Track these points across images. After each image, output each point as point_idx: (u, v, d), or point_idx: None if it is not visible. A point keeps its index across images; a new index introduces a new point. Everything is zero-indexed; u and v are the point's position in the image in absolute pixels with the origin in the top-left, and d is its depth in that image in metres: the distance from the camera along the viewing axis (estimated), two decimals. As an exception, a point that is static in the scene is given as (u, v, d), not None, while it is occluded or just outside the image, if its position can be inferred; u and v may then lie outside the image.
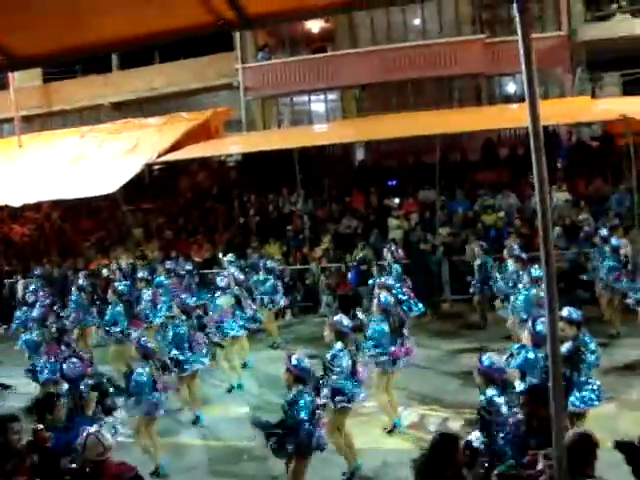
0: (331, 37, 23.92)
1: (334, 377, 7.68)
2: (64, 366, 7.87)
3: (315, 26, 23.60)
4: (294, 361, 6.92)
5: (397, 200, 18.78)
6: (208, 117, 20.78)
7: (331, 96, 24.23)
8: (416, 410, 9.35)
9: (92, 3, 3.34)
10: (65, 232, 20.62)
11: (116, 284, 13.41)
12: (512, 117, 16.86)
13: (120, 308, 12.42)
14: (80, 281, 14.33)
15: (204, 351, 10.33)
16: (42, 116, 26.71)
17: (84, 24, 3.51)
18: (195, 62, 24.36)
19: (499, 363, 6.37)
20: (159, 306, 13.56)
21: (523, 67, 3.59)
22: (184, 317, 10.47)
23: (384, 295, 9.59)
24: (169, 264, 15.32)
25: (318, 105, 24.57)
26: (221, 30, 3.85)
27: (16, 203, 17.68)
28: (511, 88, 23.03)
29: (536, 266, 10.77)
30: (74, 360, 7.94)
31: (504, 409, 5.88)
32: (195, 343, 10.16)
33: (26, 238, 22.73)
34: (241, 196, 21.10)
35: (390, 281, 11.86)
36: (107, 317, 12.48)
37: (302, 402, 6.70)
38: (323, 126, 22.42)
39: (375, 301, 9.61)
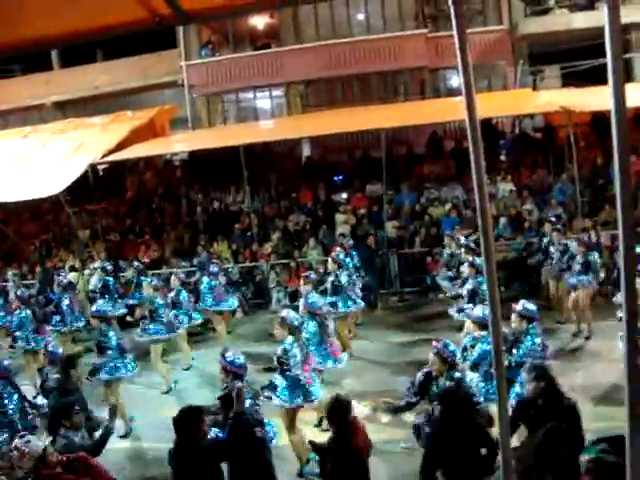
0: (276, 33, 23.87)
1: (289, 371, 7.78)
2: None
3: (260, 22, 23.53)
4: (229, 358, 6.91)
5: (344, 195, 18.86)
6: (153, 115, 20.51)
7: (276, 92, 24.18)
8: (369, 402, 9.38)
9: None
10: (7, 236, 20.13)
11: (18, 291, 13.44)
12: (456, 110, 17.01)
13: (25, 314, 12.36)
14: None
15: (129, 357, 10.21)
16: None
17: (12, 20, 3.42)
18: (139, 60, 24.08)
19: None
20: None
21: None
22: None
23: (311, 296, 9.85)
24: (107, 265, 15.14)
25: (263, 101, 24.50)
26: (158, 27, 3.78)
27: (-46, 207, 17.24)
28: (455, 81, 23.29)
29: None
30: None
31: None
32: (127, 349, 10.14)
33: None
34: (188, 195, 20.92)
35: (344, 277, 12.04)
36: (14, 323, 12.43)
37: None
38: (269, 122, 22.36)
39: (301, 301, 9.81)
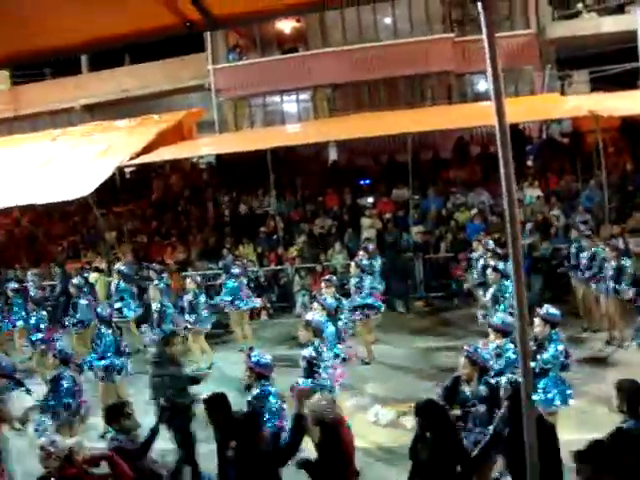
0: (303, 37, 23.94)
1: (319, 373, 7.78)
2: None
3: (287, 26, 23.61)
4: (254, 358, 6.93)
5: (371, 199, 18.82)
6: (180, 119, 20.68)
7: (303, 96, 24.23)
8: (393, 408, 9.36)
9: (56, 5, 3.31)
10: (36, 237, 20.39)
11: (32, 292, 13.72)
12: (483, 115, 16.95)
13: (39, 315, 12.58)
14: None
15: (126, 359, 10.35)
16: (11, 120, 26.43)
17: (49, 27, 3.47)
18: (167, 63, 24.29)
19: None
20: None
21: (488, 63, 3.62)
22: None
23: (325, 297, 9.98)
24: (124, 268, 15.19)
25: (290, 105, 24.57)
26: (188, 32, 3.82)
27: (-15, 209, 17.49)
28: (482, 86, 23.18)
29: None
30: None
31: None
32: (124, 349, 10.27)
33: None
34: (214, 198, 21.02)
35: (366, 282, 12.04)
36: (32, 323, 12.67)
37: (270, 396, 6.81)
38: (295, 126, 22.40)
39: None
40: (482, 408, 6.19)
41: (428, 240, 16.64)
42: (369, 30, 23.16)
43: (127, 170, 21.70)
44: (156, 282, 13.29)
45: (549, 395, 7.18)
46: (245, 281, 14.02)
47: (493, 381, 6.46)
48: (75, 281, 14.11)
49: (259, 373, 6.87)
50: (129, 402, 6.76)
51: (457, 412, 6.41)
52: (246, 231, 18.41)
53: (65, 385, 8.44)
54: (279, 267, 17.04)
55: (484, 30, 3.57)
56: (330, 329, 9.21)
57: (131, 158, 17.85)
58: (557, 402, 7.20)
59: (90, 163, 17.77)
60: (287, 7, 4.00)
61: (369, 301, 12.16)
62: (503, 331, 7.44)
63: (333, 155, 22.98)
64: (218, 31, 21.49)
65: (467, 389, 6.45)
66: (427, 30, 22.65)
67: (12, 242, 22.08)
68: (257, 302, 14.29)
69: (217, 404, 6.04)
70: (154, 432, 6.50)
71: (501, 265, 10.88)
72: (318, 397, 5.94)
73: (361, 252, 13.40)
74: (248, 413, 5.87)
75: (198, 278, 13.65)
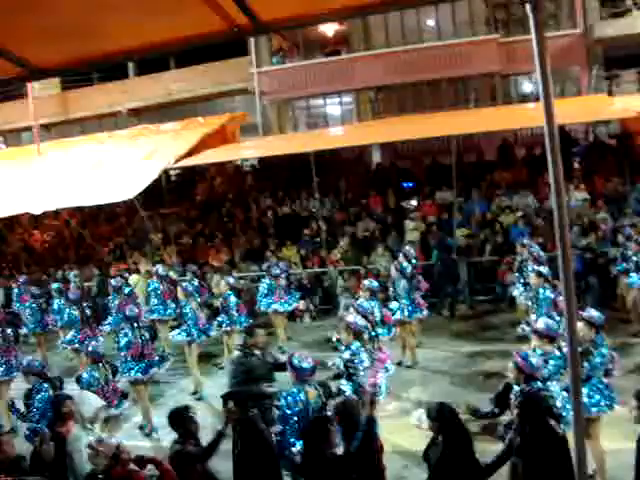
0: (346, 40, 23.98)
1: (358, 376, 7.71)
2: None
3: (329, 29, 23.64)
4: (295, 361, 6.93)
5: (414, 202, 18.74)
6: (224, 122, 20.83)
7: (346, 99, 24.28)
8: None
9: (107, 13, 3.38)
10: (84, 238, 20.75)
11: (70, 293, 13.99)
12: (528, 116, 16.77)
13: (74, 315, 13.09)
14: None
15: (155, 360, 10.49)
16: (61, 124, 27.00)
17: (101, 34, 3.56)
18: (211, 67, 24.52)
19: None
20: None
21: (537, 66, 3.58)
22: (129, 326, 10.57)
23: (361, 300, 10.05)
24: (162, 270, 15.37)
25: (333, 108, 24.63)
26: (236, 37, 3.87)
27: (36, 210, 17.80)
28: (527, 87, 22.96)
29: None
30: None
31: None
32: (146, 352, 10.34)
33: (46, 245, 22.95)
34: (258, 200, 21.16)
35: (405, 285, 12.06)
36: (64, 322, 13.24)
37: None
38: (338, 129, 22.43)
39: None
40: None
41: (472, 243, 16.52)
42: (412, 32, 23.11)
43: (172, 173, 21.95)
44: (185, 284, 13.38)
45: (592, 400, 7.05)
46: (283, 283, 14.08)
47: (538, 385, 6.36)
48: (113, 282, 14.47)
49: (298, 376, 6.86)
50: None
51: (506, 418, 6.35)
52: (289, 233, 18.49)
53: (86, 384, 8.63)
54: (322, 269, 17.08)
55: (533, 31, 3.54)
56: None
57: (176, 161, 18.04)
58: (600, 408, 7.07)
59: (136, 166, 18.00)
60: (332, 11, 4.02)
61: (413, 304, 12.09)
62: (548, 337, 7.33)
63: (376, 158, 22.97)
64: (261, 36, 21.61)
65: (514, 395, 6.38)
66: (471, 31, 22.52)
67: (61, 243, 22.56)
68: (294, 304, 14.26)
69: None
70: (220, 435, 6.28)
71: (544, 269, 10.73)
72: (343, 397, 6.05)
73: (401, 255, 13.33)
74: (317, 417, 5.77)
75: (231, 280, 13.69)
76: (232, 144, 20.55)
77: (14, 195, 18.03)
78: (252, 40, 23.44)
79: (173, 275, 15.56)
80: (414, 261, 13.44)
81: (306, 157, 16.53)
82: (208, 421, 8.38)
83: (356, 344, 7.94)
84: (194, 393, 11.68)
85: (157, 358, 10.56)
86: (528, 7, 3.58)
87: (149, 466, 5.78)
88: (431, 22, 23.40)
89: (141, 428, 10.15)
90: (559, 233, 3.68)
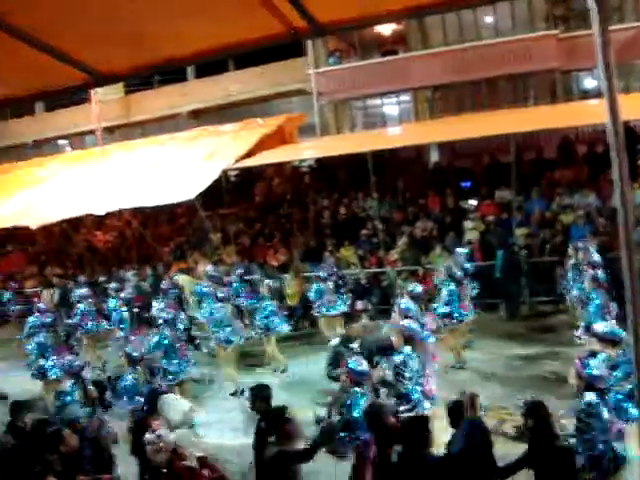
0: (402, 39, 23.87)
1: (404, 382, 7.59)
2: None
3: (386, 29, 23.56)
4: (351, 365, 6.97)
5: (473, 201, 18.54)
6: (282, 123, 20.99)
7: (404, 98, 24.17)
8: (494, 414, 9.17)
9: (171, 20, 3.46)
10: (145, 238, 21.17)
11: (122, 293, 14.55)
12: (590, 113, 16.43)
13: (122, 315, 13.67)
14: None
15: (191, 361, 10.89)
16: (123, 127, 27.58)
17: (163, 40, 3.64)
18: (268, 68, 24.70)
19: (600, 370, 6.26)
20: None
21: (600, 61, 3.52)
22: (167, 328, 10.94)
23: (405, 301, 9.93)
24: (211, 271, 15.51)
25: (391, 107, 24.54)
26: (294, 40, 3.91)
27: (99, 212, 18.25)
28: (589, 83, 22.46)
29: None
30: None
31: (605, 414, 5.77)
32: (180, 352, 10.67)
33: (108, 245, 23.49)
34: (316, 200, 21.22)
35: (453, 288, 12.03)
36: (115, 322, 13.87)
37: (357, 403, 6.77)
38: (396, 129, 22.34)
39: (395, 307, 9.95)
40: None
41: (531, 243, 16.27)
42: (470, 30, 22.85)
43: (231, 173, 22.21)
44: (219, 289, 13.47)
45: None
46: (331, 285, 14.08)
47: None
48: (162, 284, 14.82)
49: (352, 379, 6.95)
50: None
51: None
52: (347, 233, 18.50)
53: (123, 384, 8.85)
54: (380, 270, 17.04)
55: (595, 25, 3.48)
56: None
57: (236, 162, 18.26)
58: None
59: (196, 167, 18.29)
60: (391, 12, 4.03)
61: (452, 309, 12.03)
62: (611, 341, 7.12)
63: (434, 157, 22.79)
64: (319, 39, 21.68)
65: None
66: (530, 27, 22.13)
67: (123, 243, 23.04)
68: (343, 307, 14.14)
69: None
70: (324, 435, 6.06)
71: (600, 273, 10.47)
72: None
73: (451, 261, 13.29)
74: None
75: (270, 282, 13.95)
76: (290, 145, 20.68)
77: (78, 197, 18.55)
78: (309, 41, 23.51)
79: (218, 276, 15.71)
80: (468, 265, 13.45)
81: (364, 157, 16.51)
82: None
83: (407, 349, 7.84)
84: (233, 393, 11.84)
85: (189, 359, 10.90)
86: (591, 1, 3.52)
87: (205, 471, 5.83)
88: (489, 19, 23.10)
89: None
90: (623, 233, 3.61)
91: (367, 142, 18.44)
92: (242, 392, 11.30)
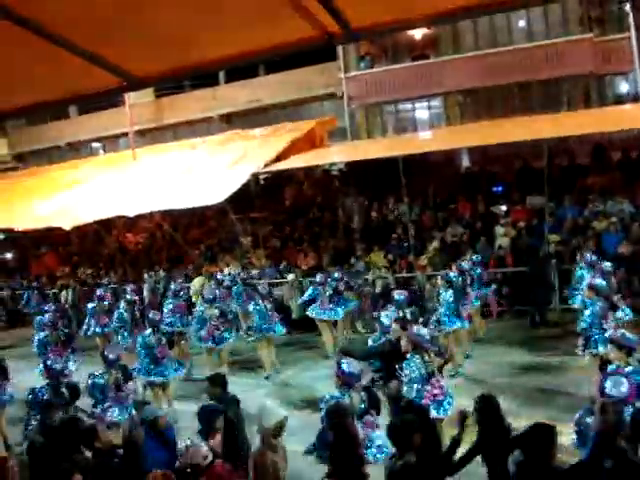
0: (434, 43, 23.77)
1: (411, 387, 7.60)
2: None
3: (418, 33, 23.48)
4: (342, 367, 7.13)
5: (504, 207, 18.42)
6: (312, 127, 21.05)
7: (435, 103, 24.08)
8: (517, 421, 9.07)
9: (205, 24, 3.48)
10: (176, 241, 21.35)
11: (128, 295, 14.78)
12: (624, 118, 16.26)
13: (123, 315, 13.79)
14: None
15: (173, 364, 11.06)
16: (155, 130, 27.82)
17: (196, 44, 3.66)
18: (299, 73, 24.73)
19: None
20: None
21: (637, 65, 3.48)
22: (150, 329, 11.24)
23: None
24: (220, 275, 15.94)
25: (422, 112, 24.46)
26: (327, 44, 3.91)
27: (131, 213, 18.45)
28: (623, 88, 22.17)
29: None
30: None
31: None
32: (161, 355, 10.83)
33: (139, 246, 23.73)
34: (345, 204, 21.23)
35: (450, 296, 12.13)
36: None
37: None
38: (427, 133, 22.27)
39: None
40: None
41: (563, 250, 16.10)
42: (502, 34, 22.69)
43: (261, 177, 22.31)
44: (206, 291, 13.94)
45: None
46: (329, 291, 14.27)
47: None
48: (172, 286, 15.07)
49: (344, 381, 7.07)
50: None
51: None
52: (377, 238, 18.49)
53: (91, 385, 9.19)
54: (410, 275, 16.99)
55: (632, 29, 3.44)
56: None
57: (265, 165, 18.34)
58: None
59: (227, 170, 18.42)
60: (424, 17, 4.01)
61: (445, 317, 12.09)
62: (628, 347, 6.91)
63: (465, 162, 22.67)
64: (352, 43, 21.69)
65: None
66: (564, 31, 21.90)
67: (154, 245, 23.26)
68: (339, 314, 14.32)
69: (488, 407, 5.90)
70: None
71: (598, 282, 10.31)
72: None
73: (453, 267, 13.57)
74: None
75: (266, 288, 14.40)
76: (320, 149, 20.73)
77: (111, 198, 18.77)
78: (340, 45, 23.52)
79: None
80: (479, 270, 13.83)
81: (394, 161, 16.49)
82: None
83: (413, 355, 7.78)
84: None
85: (170, 363, 11.02)
86: (628, 5, 3.48)
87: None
88: (522, 23, 22.91)
89: None
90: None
91: (398, 146, 18.43)
92: None
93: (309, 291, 14.57)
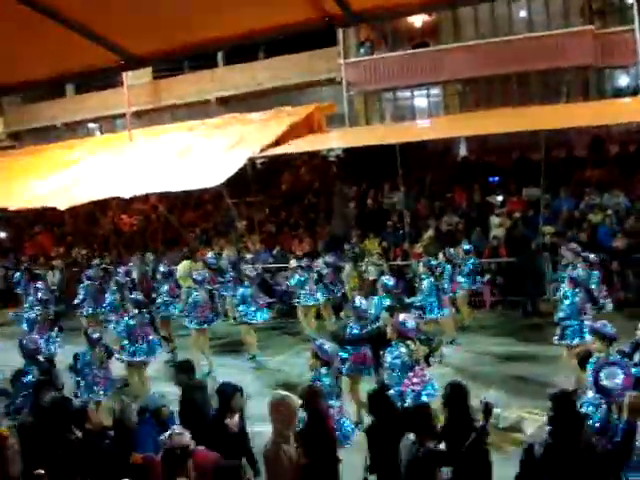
0: (434, 31, 23.71)
1: (391, 373, 7.72)
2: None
3: (418, 20, 23.41)
4: (318, 343, 7.52)
5: (500, 197, 18.42)
6: (311, 112, 20.96)
7: (434, 91, 24.02)
8: (515, 412, 9.11)
9: (204, 3, 3.46)
10: (171, 223, 21.29)
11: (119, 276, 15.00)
12: (623, 112, 16.24)
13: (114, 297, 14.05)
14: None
15: (152, 344, 11.19)
16: (152, 111, 27.71)
17: (195, 23, 3.64)
18: (298, 57, 24.65)
19: None
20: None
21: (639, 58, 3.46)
22: (135, 311, 11.41)
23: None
24: (210, 258, 15.89)
25: (421, 100, 24.41)
26: (327, 27, 3.89)
27: (126, 195, 18.38)
28: (623, 81, 22.15)
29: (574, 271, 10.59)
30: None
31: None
32: (142, 335, 11.05)
33: (134, 228, 23.67)
34: (342, 191, 21.19)
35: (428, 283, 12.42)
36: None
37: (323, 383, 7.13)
38: (425, 121, 22.21)
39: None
40: None
41: (558, 242, 16.11)
42: (503, 24, 22.63)
43: (258, 161, 22.25)
44: (195, 273, 13.93)
45: None
46: (312, 276, 14.62)
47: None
48: (161, 268, 15.19)
49: (322, 360, 7.32)
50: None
51: None
52: (372, 225, 18.47)
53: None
54: (404, 262, 16.99)
55: (637, 21, 3.42)
56: None
57: (262, 150, 18.28)
58: None
59: (224, 154, 18.34)
60: (424, 3, 4.00)
61: (424, 302, 12.32)
62: (610, 338, 6.95)
63: (463, 151, 22.64)
64: (352, 27, 21.60)
65: None
66: (564, 22, 21.84)
67: (149, 227, 23.20)
68: (319, 299, 14.64)
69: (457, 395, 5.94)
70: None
71: (578, 273, 10.45)
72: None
73: (440, 255, 13.91)
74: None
75: (253, 272, 14.30)
76: (318, 134, 20.65)
77: (107, 179, 18.69)
78: (340, 30, 23.38)
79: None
80: (472, 259, 14.14)
81: (392, 149, 16.44)
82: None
83: (397, 343, 7.84)
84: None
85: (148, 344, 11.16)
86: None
87: None
88: (523, 13, 22.85)
89: None
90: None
91: (396, 134, 18.37)
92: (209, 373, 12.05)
93: (296, 278, 14.74)
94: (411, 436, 5.29)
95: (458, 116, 21.81)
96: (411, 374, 7.68)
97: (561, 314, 10.04)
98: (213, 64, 26.72)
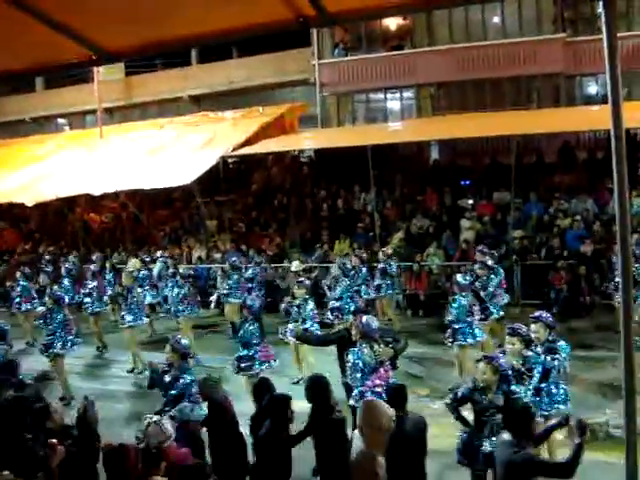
0: (409, 34, 23.78)
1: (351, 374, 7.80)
2: None
3: (393, 23, 23.50)
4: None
5: (471, 201, 18.55)
6: (283, 112, 20.94)
7: (407, 94, 24.10)
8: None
9: (178, 0, 3.44)
10: (141, 221, 21.12)
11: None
12: (592, 119, 16.44)
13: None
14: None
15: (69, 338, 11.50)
16: (123, 108, 27.47)
17: (169, 20, 3.61)
18: (272, 57, 24.58)
19: None
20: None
21: (607, 67, 3.51)
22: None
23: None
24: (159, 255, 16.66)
25: (393, 103, 24.48)
26: (302, 28, 3.88)
27: (96, 192, 18.18)
28: (592, 89, 22.44)
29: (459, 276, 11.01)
30: None
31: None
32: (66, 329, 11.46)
33: (104, 226, 23.43)
34: (313, 192, 21.20)
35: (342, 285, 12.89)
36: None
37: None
38: (398, 124, 22.30)
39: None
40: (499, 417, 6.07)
41: (526, 245, 16.27)
42: (476, 29, 22.78)
43: (230, 160, 22.16)
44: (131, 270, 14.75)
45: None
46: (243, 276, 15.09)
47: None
48: (91, 267, 15.73)
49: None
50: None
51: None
52: (343, 226, 18.49)
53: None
54: (374, 265, 17.00)
55: (604, 30, 3.47)
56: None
57: (234, 149, 18.21)
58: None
59: (195, 152, 18.25)
60: (398, 5, 4.01)
61: (337, 304, 12.59)
62: (528, 339, 7.26)
63: (434, 154, 22.78)
64: (326, 28, 21.61)
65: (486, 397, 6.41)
66: (537, 30, 22.07)
67: (118, 225, 22.98)
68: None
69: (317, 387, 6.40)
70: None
71: (461, 278, 10.84)
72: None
73: (353, 257, 14.53)
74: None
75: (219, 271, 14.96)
76: (290, 134, 20.63)
77: (76, 176, 18.47)
78: (315, 31, 23.37)
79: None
80: (393, 263, 14.62)
81: (363, 151, 16.48)
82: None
83: (361, 344, 7.80)
84: (130, 371, 12.73)
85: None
86: (600, 4, 3.50)
87: None
88: (496, 19, 23.04)
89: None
90: (620, 239, 3.60)
91: (368, 136, 18.42)
92: (133, 370, 12.67)
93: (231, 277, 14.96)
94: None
95: (430, 119, 21.94)
96: (374, 375, 7.70)
97: (450, 316, 10.61)
98: (186, 62, 26.56)
